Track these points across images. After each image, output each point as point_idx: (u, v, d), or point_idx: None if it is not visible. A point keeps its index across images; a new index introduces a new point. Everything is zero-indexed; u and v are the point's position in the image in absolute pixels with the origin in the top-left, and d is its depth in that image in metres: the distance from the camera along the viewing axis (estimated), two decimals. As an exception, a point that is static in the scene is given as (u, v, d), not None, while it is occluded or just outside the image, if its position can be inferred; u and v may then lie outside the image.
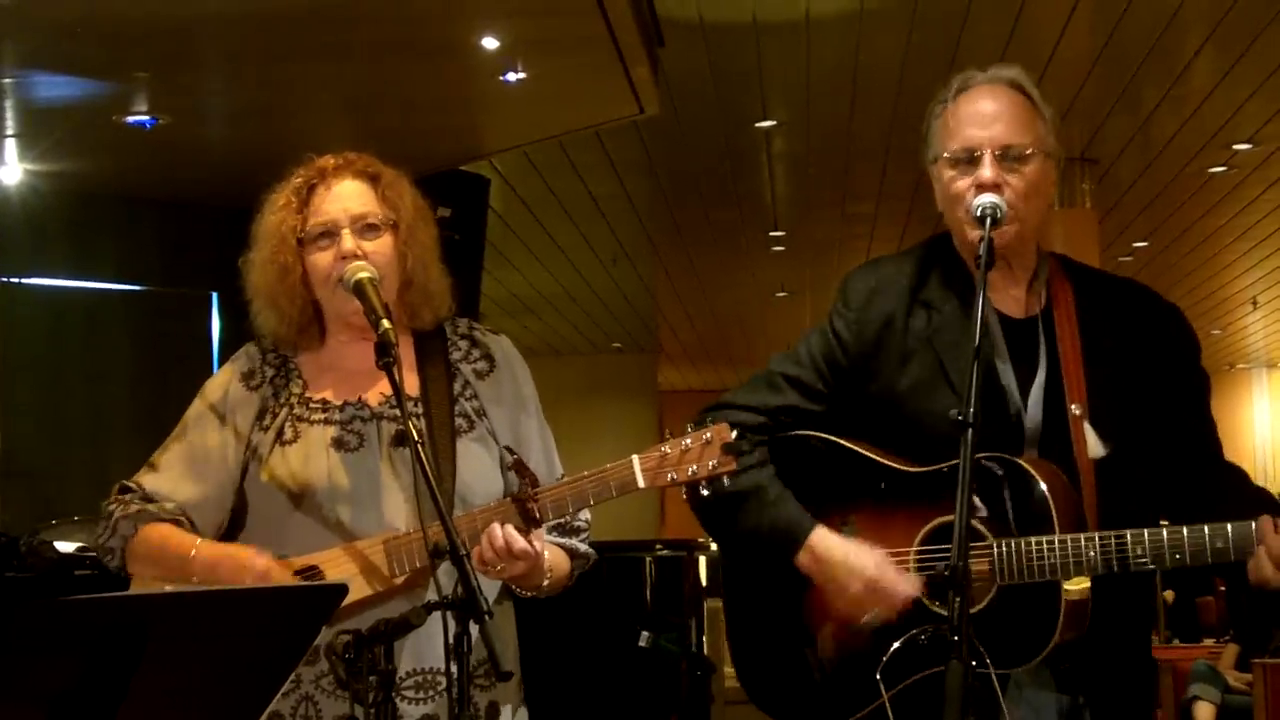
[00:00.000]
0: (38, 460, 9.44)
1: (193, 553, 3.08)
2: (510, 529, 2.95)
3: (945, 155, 3.10)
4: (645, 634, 6.61)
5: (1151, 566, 2.95)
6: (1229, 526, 2.91)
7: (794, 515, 3.16)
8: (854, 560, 3.09)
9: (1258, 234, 13.42)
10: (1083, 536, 2.95)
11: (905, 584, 3.05)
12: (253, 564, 3.02)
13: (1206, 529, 2.91)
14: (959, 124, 3.10)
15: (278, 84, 7.77)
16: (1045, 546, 2.95)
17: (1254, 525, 2.89)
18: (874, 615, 3.08)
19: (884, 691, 3.04)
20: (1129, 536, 2.93)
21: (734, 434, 2.93)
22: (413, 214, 3.21)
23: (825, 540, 3.13)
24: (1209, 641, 13.15)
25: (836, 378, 3.22)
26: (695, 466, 2.92)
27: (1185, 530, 2.92)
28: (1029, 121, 3.10)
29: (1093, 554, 2.93)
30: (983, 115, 3.09)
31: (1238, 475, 3.17)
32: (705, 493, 2.94)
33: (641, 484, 2.96)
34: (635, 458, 2.96)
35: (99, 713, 2.16)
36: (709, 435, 2.93)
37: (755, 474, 3.17)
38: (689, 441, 2.93)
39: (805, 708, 3.22)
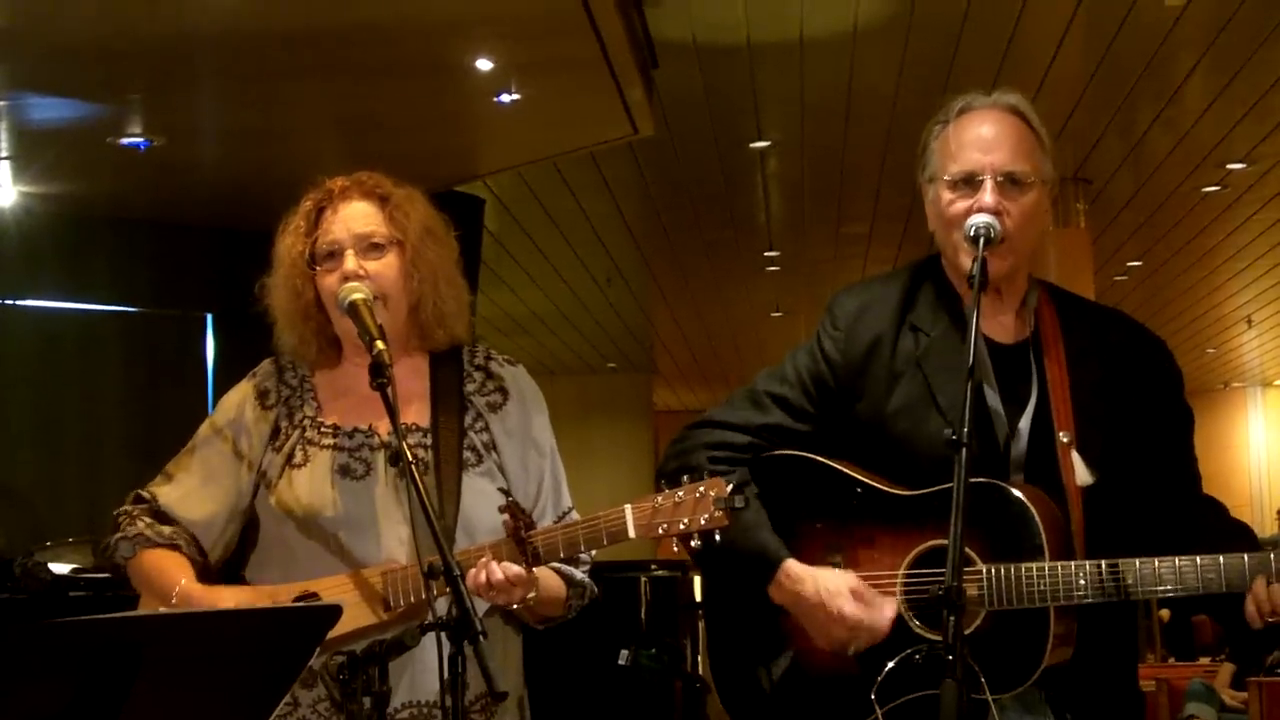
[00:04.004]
0: (32, 482, 9.43)
1: (175, 591, 3.08)
2: (506, 564, 2.94)
3: (945, 178, 3.09)
4: (624, 652, 6.59)
5: (1143, 595, 2.94)
6: (1221, 558, 2.90)
7: (766, 544, 3.12)
8: (829, 600, 3.04)
9: (1252, 253, 13.43)
10: (1073, 564, 2.95)
11: (882, 615, 3.02)
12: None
13: (1199, 559, 2.91)
14: (960, 147, 3.09)
15: (272, 105, 7.78)
16: (1035, 573, 2.94)
17: (1245, 559, 2.90)
18: (858, 645, 3.07)
19: (878, 711, 3.03)
20: (1120, 565, 2.93)
21: (729, 488, 2.90)
22: (420, 233, 3.19)
23: (796, 575, 3.09)
24: (1205, 660, 13.15)
25: (824, 397, 3.21)
26: (687, 520, 2.90)
27: (1177, 560, 2.91)
28: (1030, 149, 3.09)
29: (1084, 581, 2.93)
30: (985, 140, 3.08)
31: (1217, 508, 3.17)
32: (695, 544, 2.93)
33: (632, 535, 2.94)
34: (628, 508, 2.94)
35: (93, 735, 2.15)
36: (703, 489, 2.90)
37: None
38: (682, 494, 2.91)
39: None
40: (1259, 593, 2.89)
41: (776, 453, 3.21)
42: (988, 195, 3.03)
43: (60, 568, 6.80)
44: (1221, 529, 3.07)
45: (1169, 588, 2.92)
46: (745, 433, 3.22)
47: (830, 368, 3.20)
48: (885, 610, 3.03)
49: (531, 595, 3.04)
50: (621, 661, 6.54)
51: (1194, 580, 2.91)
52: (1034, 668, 2.94)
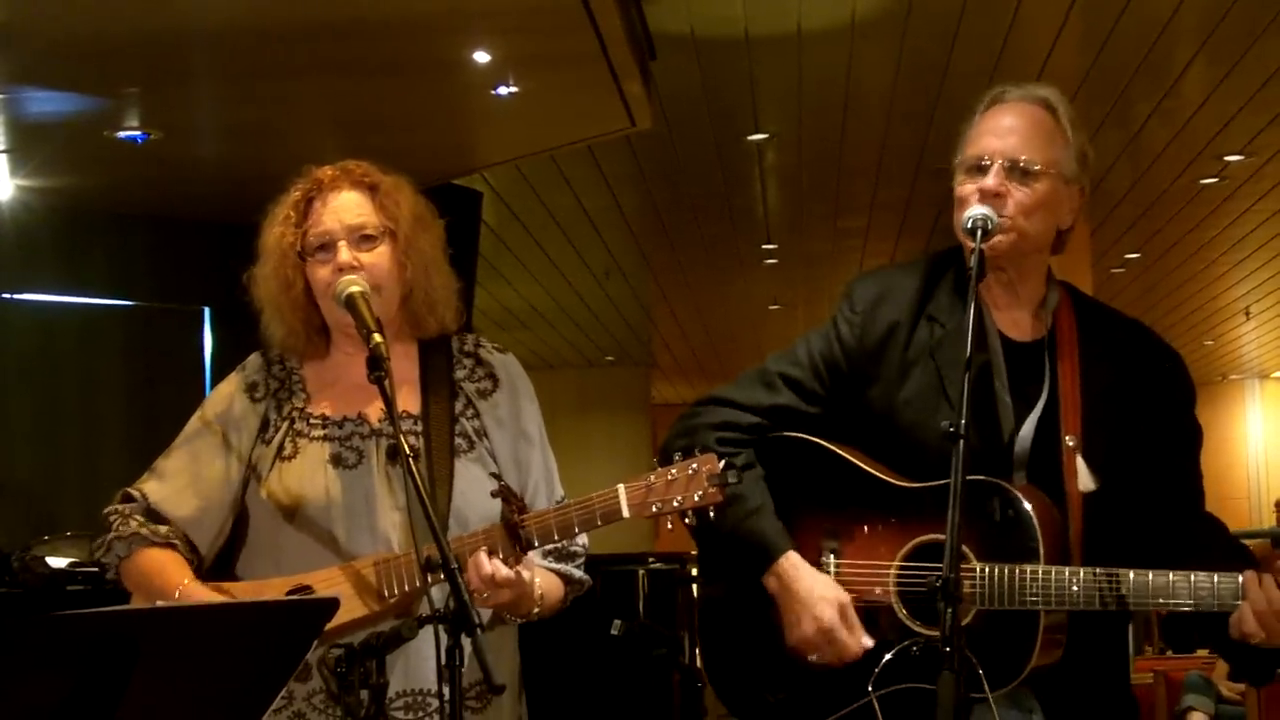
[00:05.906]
0: (30, 475, 9.43)
1: (177, 594, 3.06)
2: (496, 559, 2.94)
3: (959, 161, 3.12)
4: (617, 622, 6.59)
5: (1134, 607, 2.94)
6: (1215, 576, 2.90)
7: (769, 532, 3.13)
8: (815, 603, 3.05)
9: (1250, 245, 13.42)
10: (1067, 570, 2.94)
11: (856, 642, 3.03)
12: None
13: (1193, 576, 2.90)
14: (979, 134, 3.12)
15: (269, 99, 7.77)
16: (1029, 576, 2.93)
17: (1240, 579, 2.89)
18: (819, 658, 3.07)
19: (875, 703, 3.03)
20: (1116, 574, 2.92)
21: (721, 465, 2.90)
22: (411, 222, 3.19)
23: (794, 570, 3.10)
24: (1202, 652, 13.14)
25: (835, 381, 3.20)
26: (681, 498, 2.90)
27: (1170, 575, 2.91)
28: (1048, 141, 3.10)
29: (1075, 589, 2.92)
30: (1001, 127, 3.11)
31: (1218, 528, 3.16)
32: (689, 523, 2.93)
33: (626, 514, 2.94)
34: (621, 487, 2.94)
35: (90, 728, 2.15)
36: (695, 466, 2.91)
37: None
38: (675, 472, 2.91)
39: (786, 717, 3.20)
40: (1255, 597, 2.87)
41: (781, 434, 3.21)
42: (990, 178, 3.04)
43: (58, 561, 6.80)
44: (1220, 549, 3.06)
45: (1161, 600, 2.90)
46: (753, 413, 3.21)
47: (844, 351, 3.20)
48: (861, 639, 3.03)
49: (536, 610, 3.06)
50: (613, 631, 6.53)
51: (1186, 595, 2.90)
52: (1021, 668, 2.93)
